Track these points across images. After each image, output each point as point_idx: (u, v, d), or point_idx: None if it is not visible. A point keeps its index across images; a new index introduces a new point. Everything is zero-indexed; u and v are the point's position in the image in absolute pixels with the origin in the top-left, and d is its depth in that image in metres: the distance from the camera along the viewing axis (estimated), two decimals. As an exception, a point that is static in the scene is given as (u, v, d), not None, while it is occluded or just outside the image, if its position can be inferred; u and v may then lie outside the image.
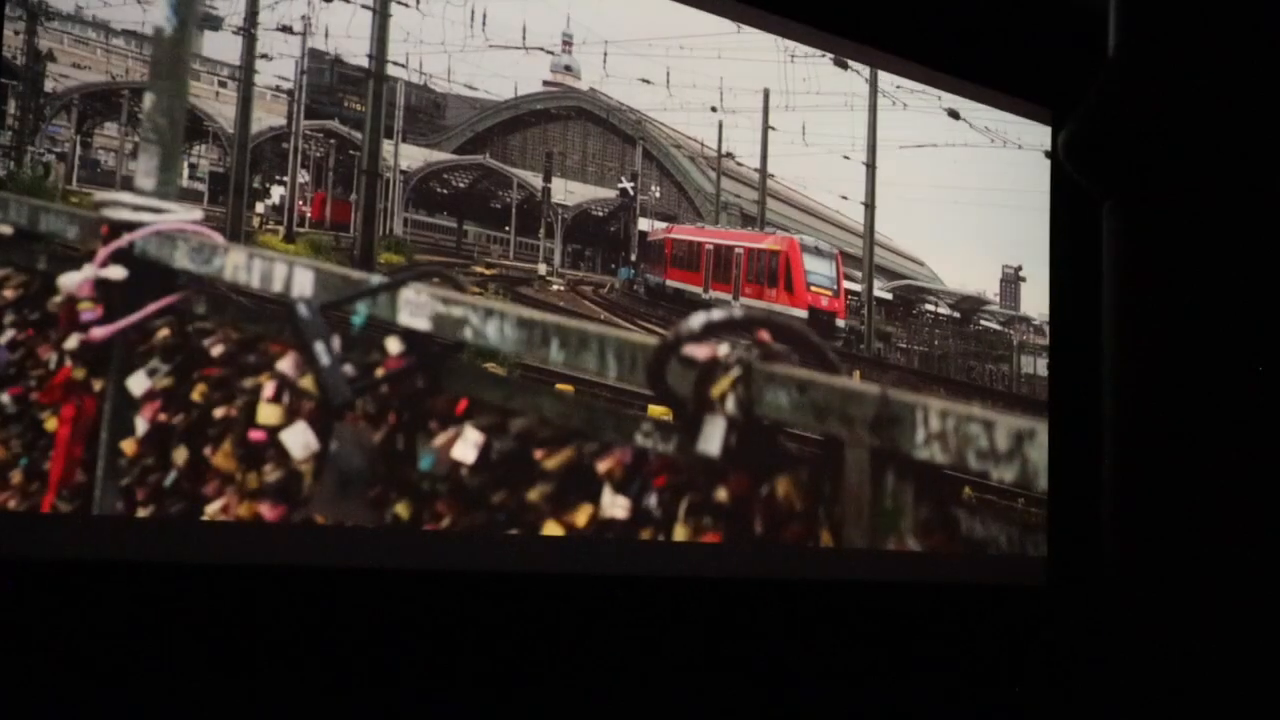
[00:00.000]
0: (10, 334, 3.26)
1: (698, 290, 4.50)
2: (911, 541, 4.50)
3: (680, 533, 4.06)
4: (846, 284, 4.96)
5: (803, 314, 4.52)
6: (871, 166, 4.92)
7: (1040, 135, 5.35)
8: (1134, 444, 1.50)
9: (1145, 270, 1.49)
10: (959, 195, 5.15)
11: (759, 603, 4.28)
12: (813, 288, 4.54)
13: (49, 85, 3.46)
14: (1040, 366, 5.40)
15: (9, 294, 3.28)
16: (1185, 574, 1.45)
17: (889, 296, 5.10)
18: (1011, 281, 5.42)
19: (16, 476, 3.21)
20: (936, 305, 5.27)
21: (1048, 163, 5.37)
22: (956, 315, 5.31)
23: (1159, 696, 1.46)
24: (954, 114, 5.13)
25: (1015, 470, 4.78)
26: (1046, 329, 5.39)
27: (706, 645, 4.16)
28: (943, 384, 5.12)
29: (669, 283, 4.46)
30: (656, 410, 4.08)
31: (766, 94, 4.63)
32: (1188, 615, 1.44)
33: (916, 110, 5.03)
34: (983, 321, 5.37)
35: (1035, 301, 5.41)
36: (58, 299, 3.31)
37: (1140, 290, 1.49)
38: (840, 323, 4.64)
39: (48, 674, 3.12)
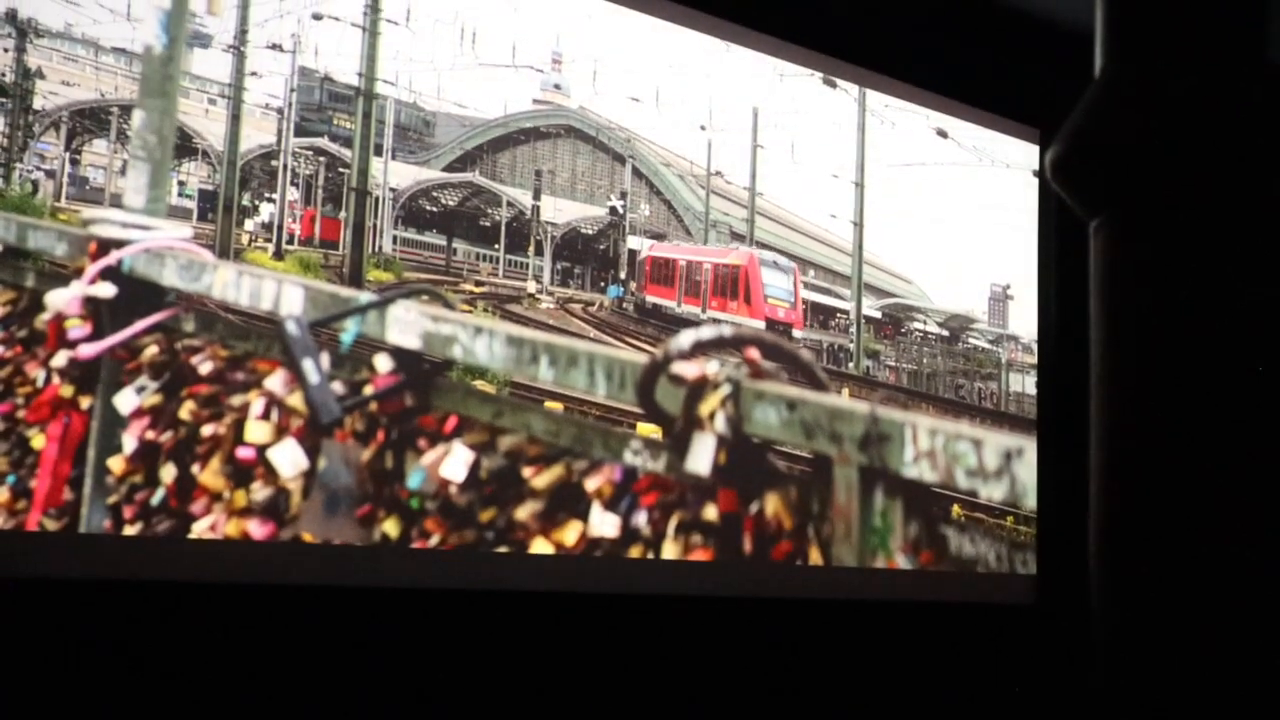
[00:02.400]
0: (-2, 351, 3.26)
1: (672, 304, 4.54)
2: (900, 559, 4.50)
3: (669, 550, 4.06)
4: (831, 301, 4.98)
5: (760, 324, 4.57)
6: (860, 185, 4.94)
7: (1028, 154, 5.38)
8: (1122, 462, 1.50)
9: (1132, 288, 1.49)
10: (947, 214, 5.17)
11: (748, 621, 4.27)
12: (770, 300, 4.60)
13: (38, 102, 3.46)
14: (1029, 384, 5.41)
15: (-3, 311, 3.27)
16: (1174, 591, 1.45)
17: (877, 314, 5.11)
18: (1000, 300, 5.44)
19: (3, 494, 3.20)
20: (925, 323, 5.28)
21: (1035, 181, 5.40)
22: (945, 333, 5.33)
23: (1149, 715, 1.46)
24: (942, 133, 5.15)
25: (1004, 488, 4.79)
26: (1035, 347, 5.41)
27: (696, 663, 4.15)
28: (931, 402, 5.13)
29: (648, 298, 4.50)
30: (646, 428, 4.08)
31: (755, 113, 4.65)
32: (1177, 633, 1.44)
33: (905, 129, 5.05)
34: (971, 339, 5.38)
35: (1023, 320, 5.43)
36: (46, 316, 3.30)
37: (1127, 308, 1.50)
38: (797, 333, 4.68)
39: (34, 693, 3.11)
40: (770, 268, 4.65)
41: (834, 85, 4.85)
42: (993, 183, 5.30)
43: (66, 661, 3.16)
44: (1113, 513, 1.49)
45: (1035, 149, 5.38)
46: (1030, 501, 4.92)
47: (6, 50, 3.36)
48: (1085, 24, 1.63)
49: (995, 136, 5.29)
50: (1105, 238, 1.51)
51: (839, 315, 5.00)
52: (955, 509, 4.71)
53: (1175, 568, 1.45)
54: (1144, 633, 1.46)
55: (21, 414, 3.26)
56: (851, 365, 4.98)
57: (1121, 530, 1.49)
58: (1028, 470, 4.90)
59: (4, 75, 3.36)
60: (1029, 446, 4.98)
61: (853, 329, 5.00)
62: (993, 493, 4.76)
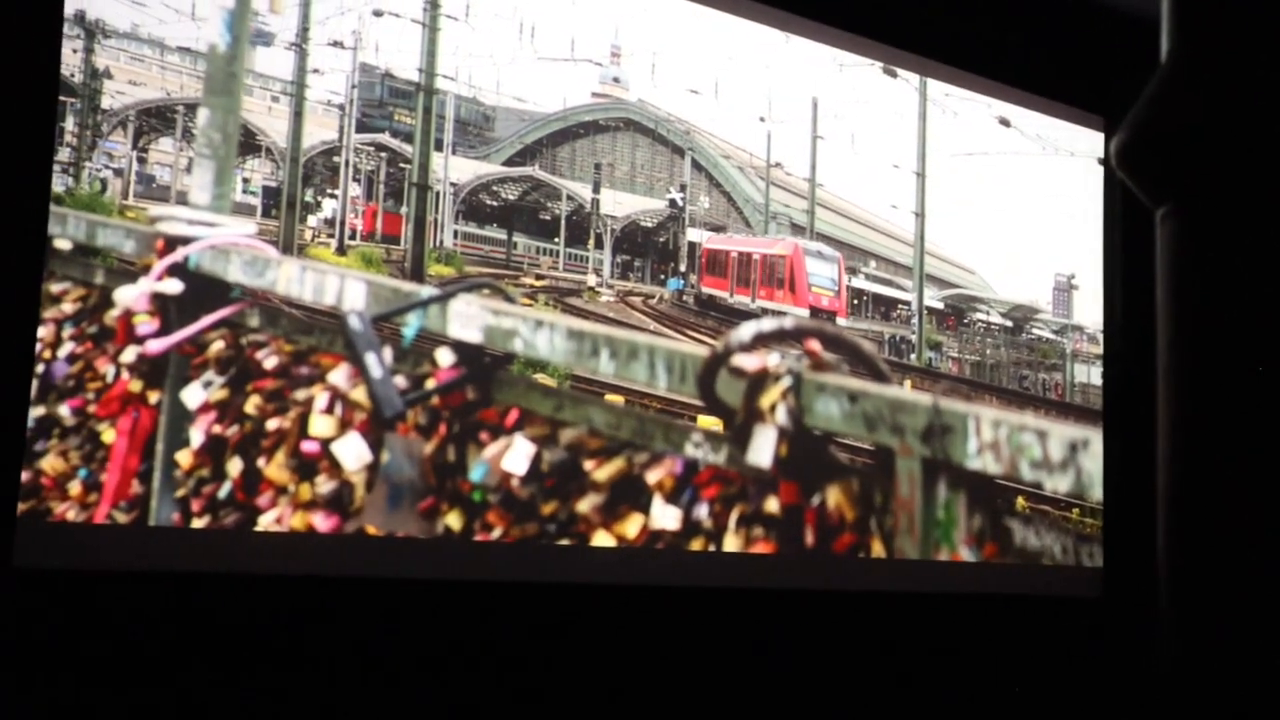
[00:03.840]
0: (69, 347, 3.31)
1: (725, 294, 4.55)
2: (964, 552, 4.47)
3: (731, 543, 4.05)
4: (892, 292, 4.95)
5: (804, 312, 4.56)
6: (921, 175, 4.90)
7: (1093, 142, 5.31)
8: (1190, 453, 1.48)
9: (1200, 277, 1.47)
10: (1010, 203, 5.11)
11: (810, 613, 4.26)
12: (814, 288, 4.60)
13: (106, 102, 3.51)
14: (1094, 375, 5.35)
15: (68, 307, 3.33)
16: (1244, 585, 1.42)
17: (940, 305, 5.07)
18: (1064, 290, 5.38)
19: (75, 488, 3.26)
20: (988, 314, 5.23)
21: (1100, 169, 5.33)
22: (1008, 324, 5.27)
23: (1219, 710, 1.44)
24: (1005, 122, 5.10)
25: (1069, 480, 4.73)
26: (1100, 337, 5.34)
27: (757, 655, 4.15)
28: (995, 393, 5.09)
29: (704, 289, 4.51)
30: (706, 421, 4.07)
31: (815, 103, 4.63)
32: (1247, 628, 1.42)
33: (967, 118, 5.00)
34: (1035, 330, 5.33)
35: (1089, 310, 5.36)
36: (115, 312, 3.36)
37: (1195, 297, 1.47)
38: (840, 320, 4.67)
39: (104, 684, 3.16)
40: (815, 257, 4.65)
41: (894, 75, 4.81)
42: (1056, 171, 5.23)
43: (136, 652, 3.21)
44: (1181, 505, 1.47)
45: (1100, 137, 5.31)
46: (1096, 493, 4.86)
47: (75, 51, 3.42)
48: (1151, 8, 1.61)
49: (1059, 124, 5.23)
50: (1172, 226, 1.49)
51: (900, 306, 4.97)
52: (1020, 501, 4.67)
53: (1245, 561, 1.42)
54: (1213, 627, 1.44)
55: (92, 409, 3.31)
56: (913, 357, 4.95)
57: (1190, 522, 1.46)
58: (1093, 462, 4.84)
59: (73, 76, 3.42)
60: (1095, 438, 4.92)
61: (914, 320, 4.96)
62: (1058, 485, 4.71)
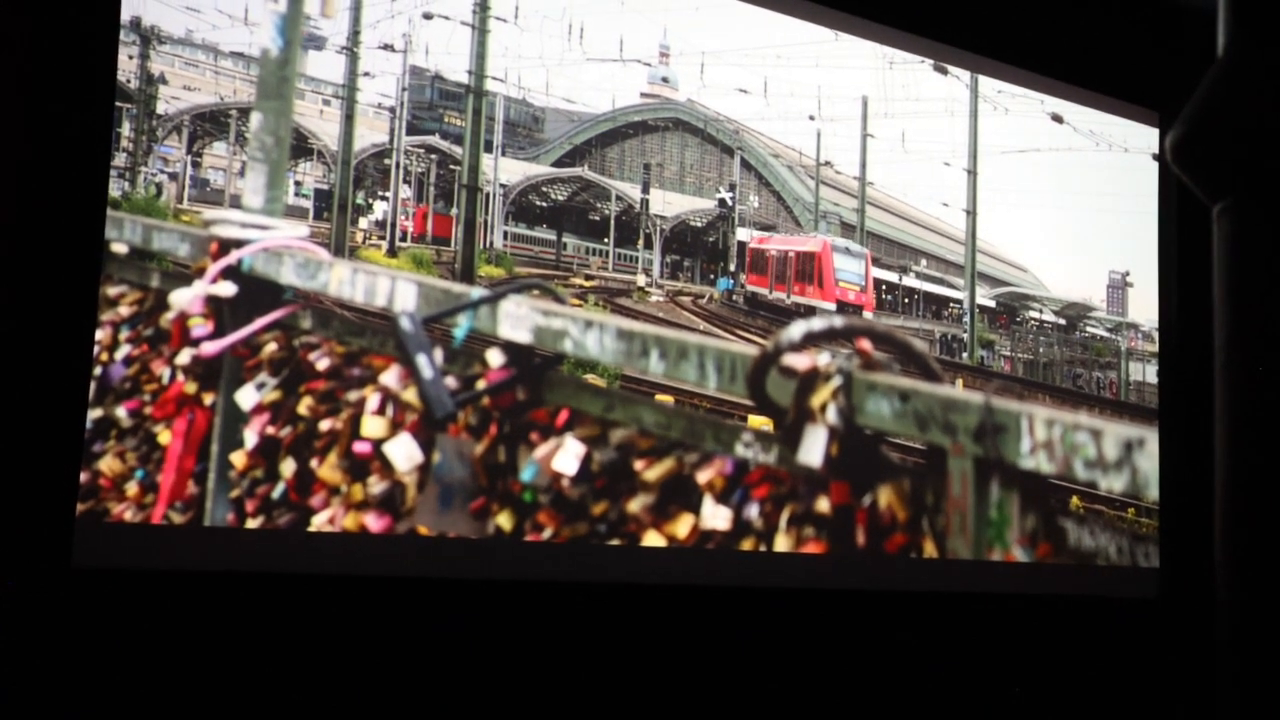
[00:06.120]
0: (126, 349, 3.35)
1: (765, 291, 4.55)
2: (1018, 552, 4.43)
3: (782, 543, 4.04)
4: (944, 290, 4.92)
5: (830, 306, 4.55)
6: (973, 173, 4.86)
7: (1147, 137, 5.25)
8: (1248, 452, 1.46)
9: (1259, 274, 1.45)
10: (1063, 200, 5.07)
11: (862, 614, 4.24)
12: (841, 283, 4.60)
13: (161, 107, 3.55)
14: (1150, 373, 5.29)
15: (124, 310, 3.37)
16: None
17: (992, 303, 5.03)
18: (1119, 287, 5.32)
19: (132, 488, 3.30)
20: (1041, 312, 5.19)
21: (1155, 165, 5.27)
22: (1062, 322, 5.23)
23: (1277, 712, 1.42)
24: (1057, 118, 5.05)
25: (1125, 479, 4.68)
26: (1155, 335, 5.28)
27: (809, 655, 4.13)
28: (1048, 392, 5.04)
29: (748, 287, 4.51)
30: (757, 420, 4.06)
31: (865, 101, 4.61)
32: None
33: (1019, 115, 4.96)
34: (1089, 328, 5.27)
35: (1144, 307, 5.31)
36: (170, 315, 3.40)
37: (1252, 294, 1.45)
38: (867, 314, 4.65)
39: (161, 682, 3.20)
40: (842, 253, 4.66)
41: (945, 72, 4.78)
42: (1111, 168, 5.18)
43: (192, 651, 3.24)
44: (1239, 504, 1.45)
45: (1155, 132, 5.25)
46: (1152, 493, 4.81)
47: (131, 57, 3.46)
48: (1207, 1, 1.59)
49: (1113, 120, 5.18)
50: (1229, 222, 1.47)
51: (952, 304, 4.94)
52: (1074, 501, 4.62)
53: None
54: (1272, 629, 1.42)
55: (148, 410, 3.35)
56: (965, 355, 4.91)
57: (1248, 522, 1.45)
58: (1149, 461, 4.79)
59: (129, 81, 3.46)
60: (1150, 437, 4.87)
61: (966, 318, 4.93)
62: (1113, 484, 4.66)
